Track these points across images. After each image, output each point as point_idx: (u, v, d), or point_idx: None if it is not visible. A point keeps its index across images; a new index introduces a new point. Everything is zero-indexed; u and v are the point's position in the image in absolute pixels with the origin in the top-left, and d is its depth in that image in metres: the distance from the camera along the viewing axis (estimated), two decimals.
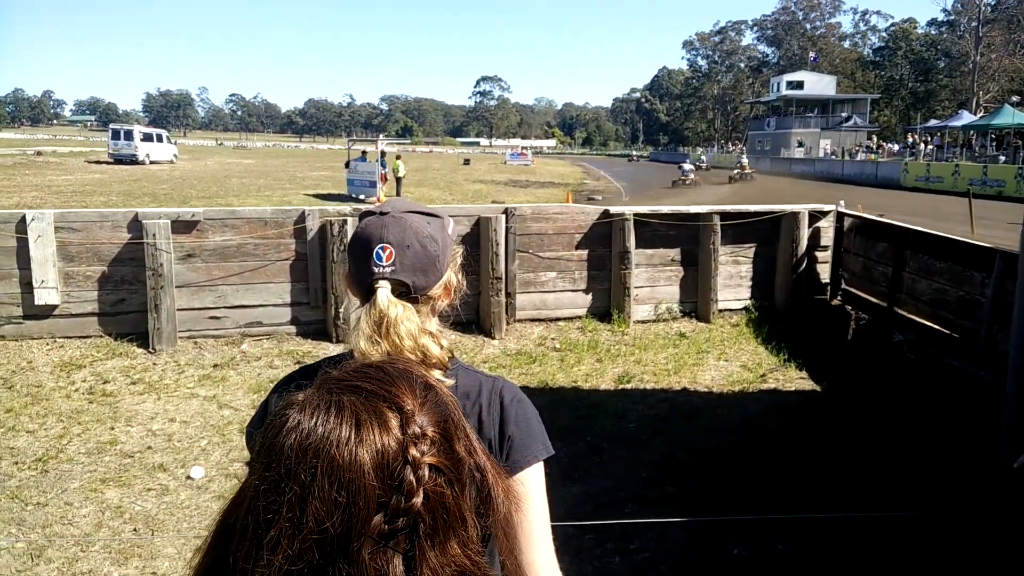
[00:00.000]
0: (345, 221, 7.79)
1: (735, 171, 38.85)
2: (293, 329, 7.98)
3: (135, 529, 4.42)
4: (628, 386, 7.08)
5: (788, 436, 5.95)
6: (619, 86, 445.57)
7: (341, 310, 7.78)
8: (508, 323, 8.37)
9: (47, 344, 7.23)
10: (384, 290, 1.28)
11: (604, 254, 8.77)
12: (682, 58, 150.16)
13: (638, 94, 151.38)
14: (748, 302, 9.20)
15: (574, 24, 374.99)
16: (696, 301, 9.06)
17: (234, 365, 7.21)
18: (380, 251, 1.30)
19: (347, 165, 25.42)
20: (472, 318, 8.28)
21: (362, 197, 23.20)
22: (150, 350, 7.30)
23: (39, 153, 44.69)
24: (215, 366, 7.15)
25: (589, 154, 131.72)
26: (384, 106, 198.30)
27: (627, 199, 28.72)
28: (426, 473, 0.71)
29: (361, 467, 0.69)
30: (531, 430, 1.36)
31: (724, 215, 8.99)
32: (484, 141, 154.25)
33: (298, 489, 0.68)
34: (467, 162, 59.96)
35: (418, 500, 0.70)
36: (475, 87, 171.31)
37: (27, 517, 4.52)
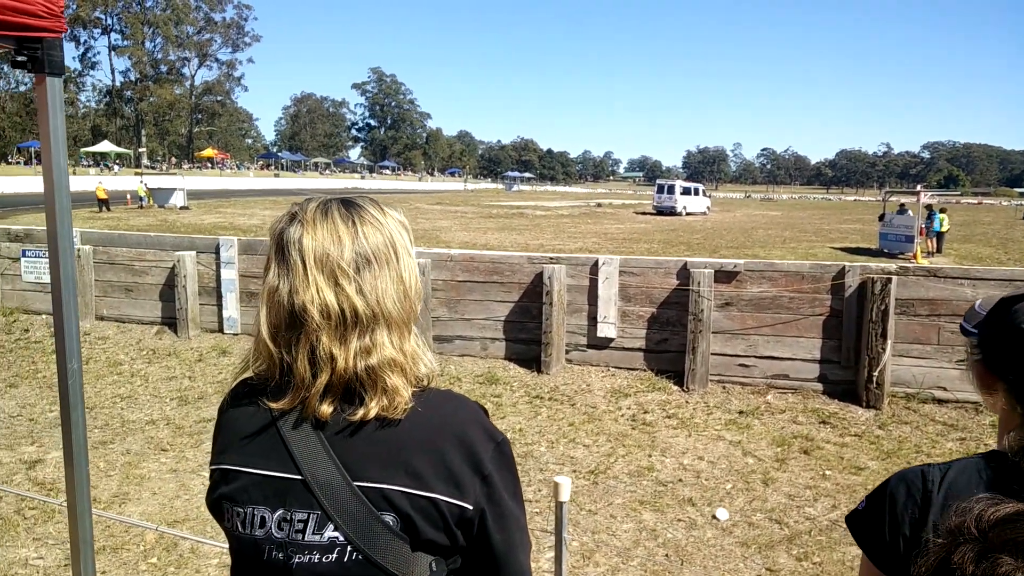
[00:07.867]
0: (889, 279, 7.28)
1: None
2: (819, 387, 7.75)
3: (667, 555, 4.80)
4: None
5: None
6: None
7: (875, 373, 7.28)
8: None
9: (601, 371, 8.36)
10: None
11: None
12: None
13: None
14: None
15: None
16: None
17: (758, 414, 7.31)
18: None
19: (881, 218, 23.93)
20: None
21: (897, 253, 21.51)
22: (683, 388, 7.88)
23: (599, 205, 52.26)
24: (740, 412, 7.35)
25: None
26: (925, 154, 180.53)
27: None
28: None
29: None
30: None
31: None
32: None
33: None
34: None
35: None
36: None
37: (581, 520, 5.27)
